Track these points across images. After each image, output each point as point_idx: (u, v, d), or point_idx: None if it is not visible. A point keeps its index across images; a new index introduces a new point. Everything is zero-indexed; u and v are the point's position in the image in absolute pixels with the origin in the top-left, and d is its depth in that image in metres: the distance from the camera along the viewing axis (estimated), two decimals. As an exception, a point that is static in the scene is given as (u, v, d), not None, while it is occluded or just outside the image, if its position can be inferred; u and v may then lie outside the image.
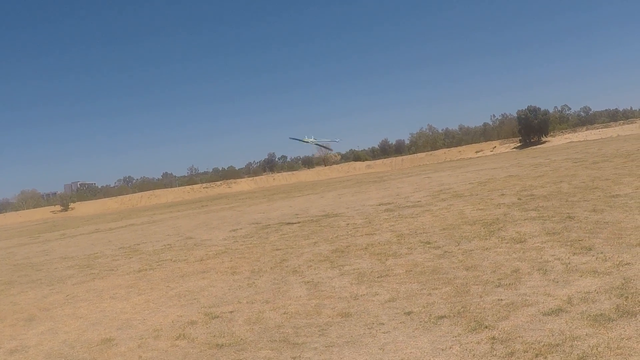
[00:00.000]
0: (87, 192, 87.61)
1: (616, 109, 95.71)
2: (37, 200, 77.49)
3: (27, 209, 69.64)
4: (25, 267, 15.17)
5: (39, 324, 7.91)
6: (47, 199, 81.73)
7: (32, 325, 7.94)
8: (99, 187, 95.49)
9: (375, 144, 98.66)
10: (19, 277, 13.27)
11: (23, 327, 7.86)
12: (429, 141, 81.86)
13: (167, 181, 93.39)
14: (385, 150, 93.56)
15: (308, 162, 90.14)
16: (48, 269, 14.02)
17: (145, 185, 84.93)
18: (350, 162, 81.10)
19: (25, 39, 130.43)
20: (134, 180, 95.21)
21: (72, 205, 66.05)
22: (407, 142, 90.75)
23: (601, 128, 62.15)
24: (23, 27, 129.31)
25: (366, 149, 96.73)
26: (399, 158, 75.14)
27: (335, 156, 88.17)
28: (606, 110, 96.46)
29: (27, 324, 8.07)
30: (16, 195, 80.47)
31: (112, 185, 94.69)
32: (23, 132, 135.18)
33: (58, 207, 65.68)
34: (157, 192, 71.51)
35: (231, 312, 7.12)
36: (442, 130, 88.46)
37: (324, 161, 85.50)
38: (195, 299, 8.17)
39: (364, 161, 79.85)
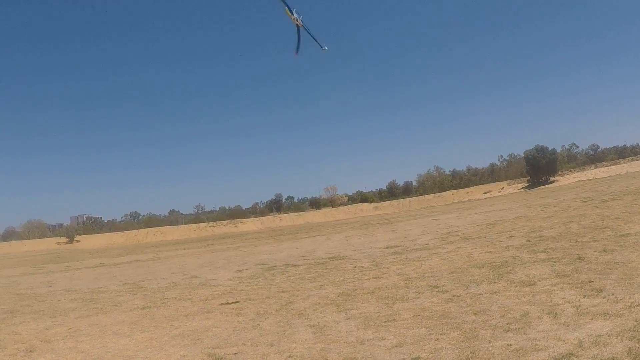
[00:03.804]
0: (93, 225, 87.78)
1: (624, 145, 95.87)
2: (43, 231, 77.46)
3: (32, 238, 69.67)
4: (29, 297, 15.10)
5: (40, 356, 7.80)
6: (53, 230, 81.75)
7: (32, 356, 7.82)
8: (105, 221, 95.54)
9: (382, 185, 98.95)
10: (21, 306, 13.18)
11: (23, 358, 7.75)
12: (437, 183, 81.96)
13: (174, 218, 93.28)
14: (392, 192, 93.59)
15: (315, 204, 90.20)
16: (51, 300, 13.94)
17: (152, 221, 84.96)
18: (358, 204, 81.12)
19: (36, 68, 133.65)
20: (141, 216, 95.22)
21: (77, 237, 66.17)
22: (414, 183, 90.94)
23: (610, 165, 62.04)
24: (32, 53, 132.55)
25: (373, 190, 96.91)
26: (407, 200, 75.08)
27: (343, 197, 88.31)
28: (614, 147, 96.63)
29: (27, 354, 7.95)
30: (22, 225, 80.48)
31: (118, 220, 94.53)
32: (32, 162, 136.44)
33: (63, 239, 65.80)
34: (163, 229, 71.58)
35: (235, 354, 7.00)
36: (449, 171, 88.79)
37: (331, 203, 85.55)
38: (199, 339, 8.05)
39: (371, 203, 79.81)
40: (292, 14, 12.34)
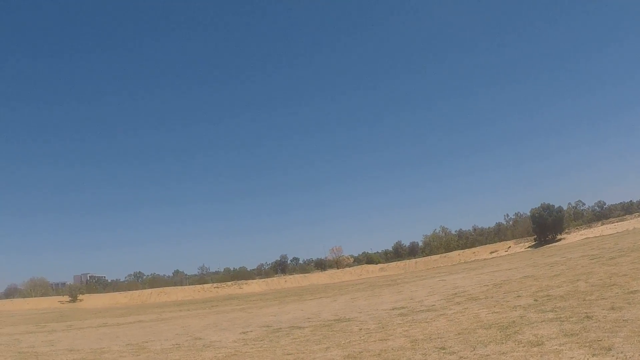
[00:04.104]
0: (97, 284, 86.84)
1: (630, 201, 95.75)
2: (46, 289, 76.38)
3: (35, 296, 68.50)
4: (30, 356, 14.77)
5: None
6: (56, 289, 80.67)
7: None
8: (109, 280, 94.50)
9: (388, 246, 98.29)
10: (22, 365, 12.92)
11: None
12: (443, 243, 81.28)
13: (178, 279, 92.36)
14: (398, 253, 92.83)
15: (320, 265, 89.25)
16: None
17: (156, 281, 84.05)
18: (364, 265, 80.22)
19: (37, 124, 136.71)
20: (145, 276, 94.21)
21: (80, 296, 65.09)
22: (420, 244, 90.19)
23: (617, 222, 61.57)
24: (33, 109, 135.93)
25: (379, 251, 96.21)
26: (413, 261, 74.28)
27: (348, 259, 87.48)
28: (620, 203, 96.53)
29: None
30: (25, 282, 79.33)
31: (122, 280, 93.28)
32: (36, 220, 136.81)
33: (66, 298, 64.70)
34: (167, 289, 70.53)
35: (239, 422, 6.85)
36: (455, 231, 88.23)
37: (337, 264, 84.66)
38: (202, 409, 7.88)
39: (377, 264, 78.96)
40: None
